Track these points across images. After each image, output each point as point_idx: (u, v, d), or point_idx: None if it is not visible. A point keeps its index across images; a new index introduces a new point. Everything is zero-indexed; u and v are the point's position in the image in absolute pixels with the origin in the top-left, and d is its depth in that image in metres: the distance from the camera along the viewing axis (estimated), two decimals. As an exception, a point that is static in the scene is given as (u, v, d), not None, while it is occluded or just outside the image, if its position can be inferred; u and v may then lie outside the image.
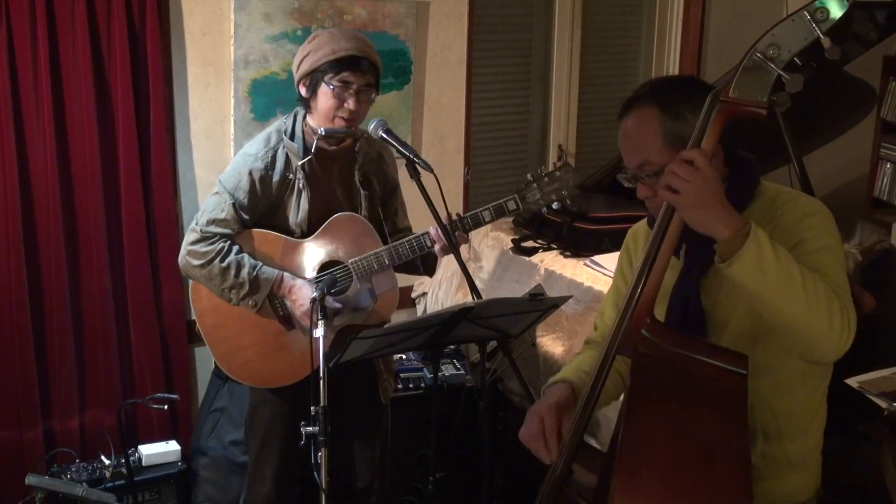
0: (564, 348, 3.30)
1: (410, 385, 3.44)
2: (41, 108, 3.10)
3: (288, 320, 2.67)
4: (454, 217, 2.57)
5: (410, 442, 3.34)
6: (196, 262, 2.59)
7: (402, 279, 3.97)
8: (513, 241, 3.84)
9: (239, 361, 2.68)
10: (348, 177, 2.71)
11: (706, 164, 1.55)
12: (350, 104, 2.55)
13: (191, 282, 2.70)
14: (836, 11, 1.51)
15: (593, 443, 3.00)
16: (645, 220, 2.00)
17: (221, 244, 2.59)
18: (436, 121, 3.97)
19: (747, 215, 1.72)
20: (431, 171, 2.49)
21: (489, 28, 4.16)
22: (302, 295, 2.60)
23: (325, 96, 2.55)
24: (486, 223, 2.60)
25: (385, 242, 2.71)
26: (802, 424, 1.81)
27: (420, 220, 2.87)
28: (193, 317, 2.73)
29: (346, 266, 2.63)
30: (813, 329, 1.57)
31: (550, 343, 3.37)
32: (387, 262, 2.63)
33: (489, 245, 3.91)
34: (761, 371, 1.71)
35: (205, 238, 2.59)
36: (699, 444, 1.51)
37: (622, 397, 2.02)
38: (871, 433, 2.53)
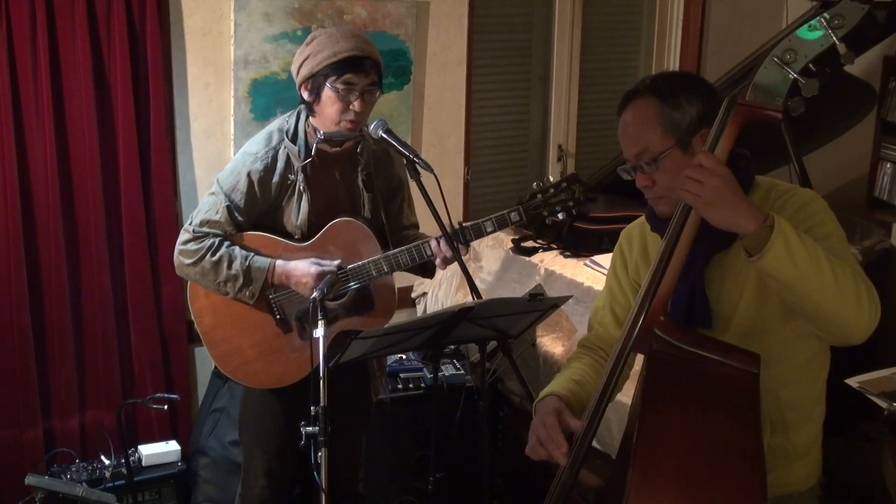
0: (564, 348, 3.30)
1: (410, 385, 3.44)
2: (41, 108, 3.10)
3: (285, 323, 2.66)
4: (455, 227, 2.51)
5: (410, 442, 3.34)
6: (188, 261, 2.57)
7: (402, 279, 3.99)
8: (513, 241, 3.84)
9: (237, 362, 2.67)
10: (351, 179, 2.68)
11: (719, 164, 1.59)
12: (356, 106, 2.50)
13: (189, 282, 2.68)
14: (852, 18, 1.54)
15: (593, 443, 3.00)
16: (638, 219, 2.01)
17: (212, 240, 2.56)
18: (436, 121, 3.96)
19: None
20: (431, 171, 2.48)
21: (489, 28, 4.16)
22: (301, 271, 2.56)
23: (329, 100, 2.51)
24: (488, 234, 2.55)
25: (385, 244, 2.69)
26: (806, 414, 1.85)
27: (421, 221, 2.87)
28: (192, 317, 2.73)
29: (344, 272, 2.61)
30: (845, 311, 1.60)
31: (550, 343, 3.37)
32: (385, 270, 2.59)
33: (489, 245, 3.91)
34: (767, 362, 1.72)
35: (196, 237, 2.57)
36: (713, 440, 1.53)
37: (628, 399, 2.02)
38: (871, 433, 2.53)
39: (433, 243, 2.55)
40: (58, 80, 3.12)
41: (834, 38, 1.55)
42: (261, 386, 2.72)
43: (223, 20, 3.41)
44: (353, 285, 2.60)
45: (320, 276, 2.54)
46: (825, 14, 1.55)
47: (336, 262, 2.58)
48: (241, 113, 3.47)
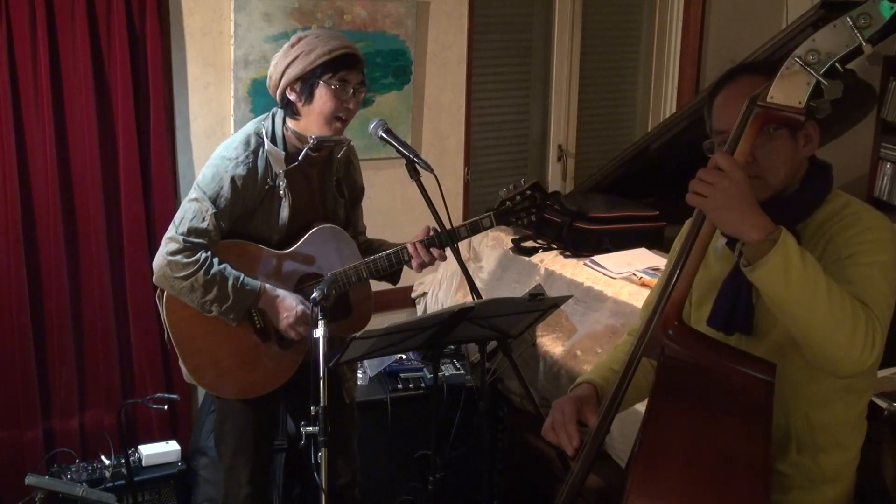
0: (564, 348, 3.30)
1: (410, 385, 3.44)
2: (41, 108, 3.10)
3: (264, 332, 2.62)
4: (431, 233, 2.55)
5: (410, 442, 3.34)
6: (177, 274, 2.47)
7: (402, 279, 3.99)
8: (513, 241, 3.84)
9: (213, 373, 2.61)
10: (326, 183, 2.68)
11: (734, 167, 1.54)
12: (350, 103, 2.52)
13: (165, 293, 2.58)
14: (880, 18, 1.47)
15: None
16: None
17: (204, 255, 2.48)
18: (436, 121, 3.97)
19: (813, 218, 1.74)
20: (431, 171, 2.49)
21: (489, 28, 4.16)
22: (286, 306, 2.56)
23: (323, 98, 2.49)
24: (462, 239, 2.60)
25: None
26: (839, 438, 1.79)
27: (421, 221, 2.87)
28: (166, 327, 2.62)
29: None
30: (833, 345, 1.55)
31: (550, 343, 3.37)
32: (365, 276, 2.60)
33: (489, 245, 3.91)
34: (803, 381, 1.69)
35: (186, 248, 2.48)
36: (719, 449, 1.50)
37: (640, 407, 2.02)
38: (871, 433, 2.53)
39: (409, 247, 2.57)
40: (58, 80, 3.12)
41: (860, 39, 1.48)
42: (237, 397, 2.68)
43: (223, 20, 3.41)
44: (335, 291, 2.59)
45: (304, 316, 2.55)
46: (851, 13, 1.48)
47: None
48: (241, 113, 3.47)
